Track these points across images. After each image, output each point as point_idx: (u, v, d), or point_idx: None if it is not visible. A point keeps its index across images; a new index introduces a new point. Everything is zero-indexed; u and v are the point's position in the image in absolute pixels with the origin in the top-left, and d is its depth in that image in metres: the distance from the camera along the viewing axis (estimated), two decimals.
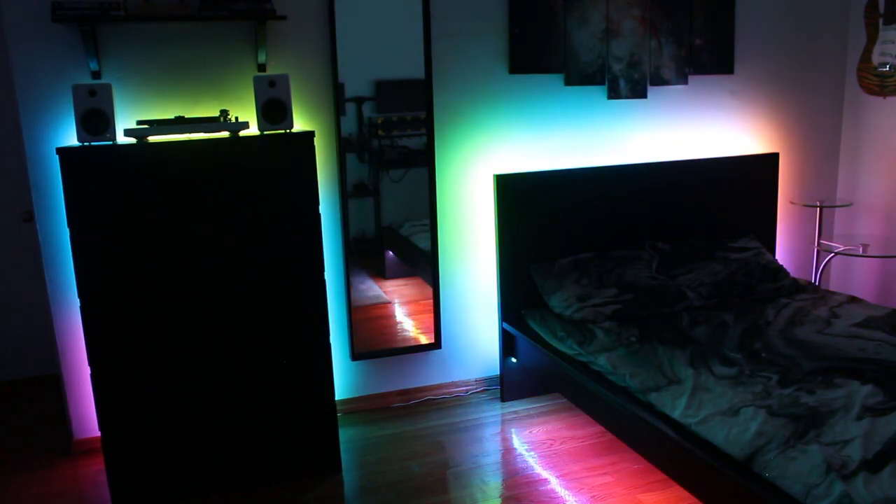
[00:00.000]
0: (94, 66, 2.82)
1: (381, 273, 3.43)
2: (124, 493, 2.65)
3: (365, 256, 3.35)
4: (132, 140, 2.62)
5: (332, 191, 3.23)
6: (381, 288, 3.42)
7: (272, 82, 2.66)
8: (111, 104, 2.50)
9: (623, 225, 3.54)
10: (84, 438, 3.10)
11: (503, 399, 3.49)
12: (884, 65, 3.73)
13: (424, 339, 3.46)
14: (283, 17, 2.89)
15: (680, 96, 3.71)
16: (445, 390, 3.57)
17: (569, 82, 3.48)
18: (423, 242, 3.40)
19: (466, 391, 3.60)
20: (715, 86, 3.76)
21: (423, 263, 3.42)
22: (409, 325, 3.47)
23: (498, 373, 3.55)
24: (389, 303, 3.44)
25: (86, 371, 2.76)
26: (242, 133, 2.70)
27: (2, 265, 3.79)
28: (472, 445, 3.08)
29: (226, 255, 2.61)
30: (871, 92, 3.85)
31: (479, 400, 3.53)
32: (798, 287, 3.36)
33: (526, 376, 3.47)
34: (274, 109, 2.66)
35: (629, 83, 3.58)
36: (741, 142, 3.87)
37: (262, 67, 3.02)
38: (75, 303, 2.64)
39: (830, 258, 3.81)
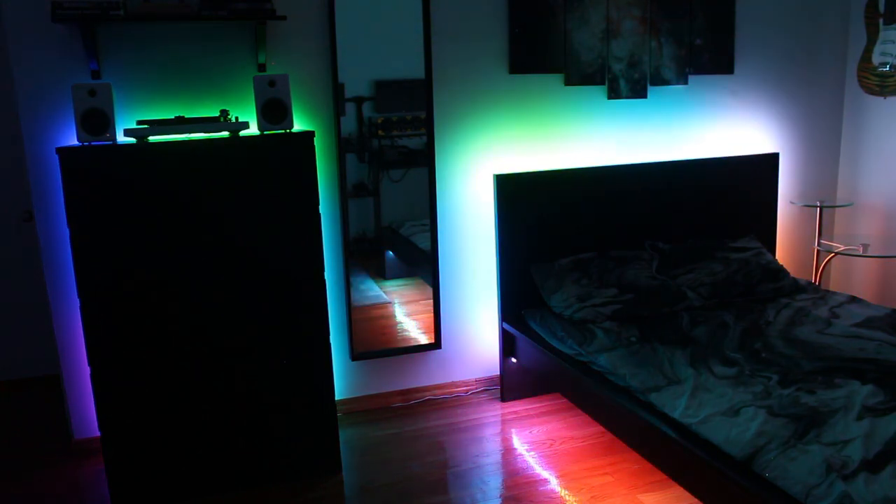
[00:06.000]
0: (93, 66, 2.82)
1: (381, 273, 3.43)
2: (124, 493, 2.65)
3: (365, 256, 3.35)
4: (132, 140, 2.62)
5: (332, 191, 3.23)
6: (381, 288, 3.42)
7: (272, 82, 2.66)
8: (111, 104, 2.50)
9: (623, 225, 3.54)
10: (84, 438, 3.10)
11: (503, 399, 3.48)
12: (884, 65, 3.73)
13: (424, 339, 3.46)
14: (283, 17, 2.88)
15: (680, 96, 3.71)
16: (445, 390, 3.57)
17: (569, 82, 3.48)
18: (423, 242, 3.40)
19: (466, 391, 3.60)
20: (715, 86, 3.76)
21: (423, 263, 3.42)
22: (409, 325, 3.46)
23: (498, 373, 3.55)
24: (389, 303, 3.44)
25: (86, 371, 2.77)
26: (242, 133, 2.70)
27: (2, 265, 3.79)
28: (472, 445, 3.08)
29: (226, 255, 2.61)
30: (871, 92, 3.85)
31: (479, 400, 3.53)
32: (798, 287, 3.36)
33: (526, 376, 3.47)
34: (274, 109, 2.66)
35: (629, 83, 3.58)
36: (741, 142, 3.87)
37: (262, 67, 3.02)
38: (75, 303, 2.64)
39: (830, 258, 3.81)
